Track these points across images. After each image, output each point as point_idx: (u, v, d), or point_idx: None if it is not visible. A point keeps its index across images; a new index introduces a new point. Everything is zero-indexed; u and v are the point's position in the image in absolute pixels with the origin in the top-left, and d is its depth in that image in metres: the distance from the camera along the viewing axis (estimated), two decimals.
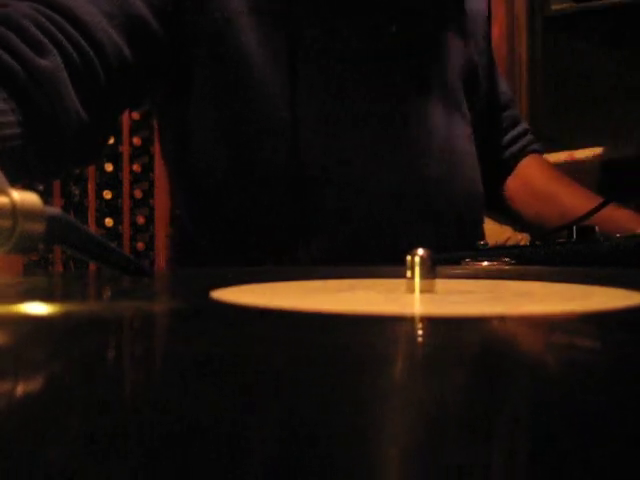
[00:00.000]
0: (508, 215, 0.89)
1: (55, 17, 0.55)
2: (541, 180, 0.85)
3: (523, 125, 0.91)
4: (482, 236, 0.78)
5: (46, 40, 0.53)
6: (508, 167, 0.88)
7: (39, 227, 0.24)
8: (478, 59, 0.80)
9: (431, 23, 0.73)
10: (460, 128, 0.75)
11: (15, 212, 0.24)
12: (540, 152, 0.90)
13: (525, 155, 0.88)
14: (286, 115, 0.65)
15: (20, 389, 0.13)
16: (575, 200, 0.77)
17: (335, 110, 0.66)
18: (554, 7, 1.91)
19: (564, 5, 1.90)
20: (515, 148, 0.88)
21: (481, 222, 0.79)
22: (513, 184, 0.87)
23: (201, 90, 0.67)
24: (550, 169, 0.87)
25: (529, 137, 0.90)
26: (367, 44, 0.68)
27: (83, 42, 0.56)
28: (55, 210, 0.26)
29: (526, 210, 0.85)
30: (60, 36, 0.54)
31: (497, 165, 0.86)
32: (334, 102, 0.66)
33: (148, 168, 2.06)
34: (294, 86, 0.65)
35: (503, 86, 0.90)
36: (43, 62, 0.53)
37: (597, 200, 0.67)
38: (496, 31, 1.77)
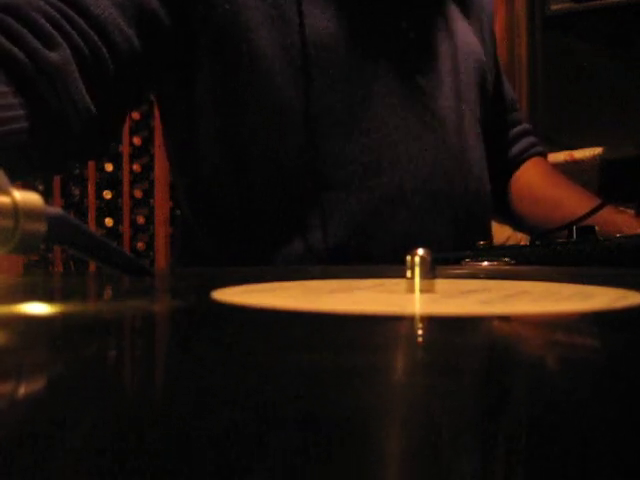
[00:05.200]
0: (509, 217, 0.89)
1: (65, 9, 0.54)
2: (543, 185, 0.85)
3: (526, 127, 0.90)
4: (489, 235, 0.78)
5: (56, 33, 0.53)
6: (511, 169, 0.88)
7: (41, 227, 0.24)
8: (487, 60, 0.80)
9: (442, 23, 0.73)
10: (472, 126, 0.75)
11: (17, 212, 0.24)
12: (543, 154, 0.90)
13: (528, 158, 0.88)
14: (298, 109, 0.64)
15: (20, 390, 0.13)
16: (577, 205, 0.77)
17: (348, 105, 0.66)
18: (554, 7, 1.91)
19: (564, 5, 1.90)
20: (517, 151, 0.88)
21: (489, 221, 0.79)
22: (515, 188, 0.87)
23: (208, 82, 0.66)
24: (552, 173, 0.87)
25: (532, 139, 0.89)
26: (380, 40, 0.68)
27: (93, 35, 0.55)
28: (56, 210, 0.26)
29: (527, 214, 0.85)
30: (70, 29, 0.54)
31: (500, 167, 0.86)
32: (347, 97, 0.66)
33: (148, 168, 2.06)
34: (307, 80, 0.64)
35: (507, 87, 0.90)
36: (52, 55, 0.52)
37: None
38: (496, 31, 1.77)
